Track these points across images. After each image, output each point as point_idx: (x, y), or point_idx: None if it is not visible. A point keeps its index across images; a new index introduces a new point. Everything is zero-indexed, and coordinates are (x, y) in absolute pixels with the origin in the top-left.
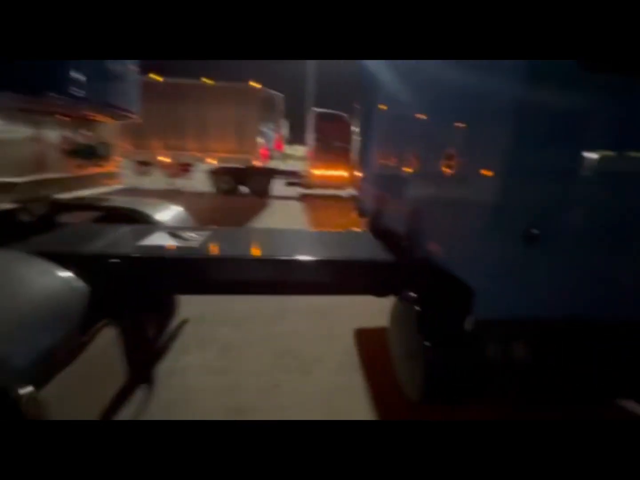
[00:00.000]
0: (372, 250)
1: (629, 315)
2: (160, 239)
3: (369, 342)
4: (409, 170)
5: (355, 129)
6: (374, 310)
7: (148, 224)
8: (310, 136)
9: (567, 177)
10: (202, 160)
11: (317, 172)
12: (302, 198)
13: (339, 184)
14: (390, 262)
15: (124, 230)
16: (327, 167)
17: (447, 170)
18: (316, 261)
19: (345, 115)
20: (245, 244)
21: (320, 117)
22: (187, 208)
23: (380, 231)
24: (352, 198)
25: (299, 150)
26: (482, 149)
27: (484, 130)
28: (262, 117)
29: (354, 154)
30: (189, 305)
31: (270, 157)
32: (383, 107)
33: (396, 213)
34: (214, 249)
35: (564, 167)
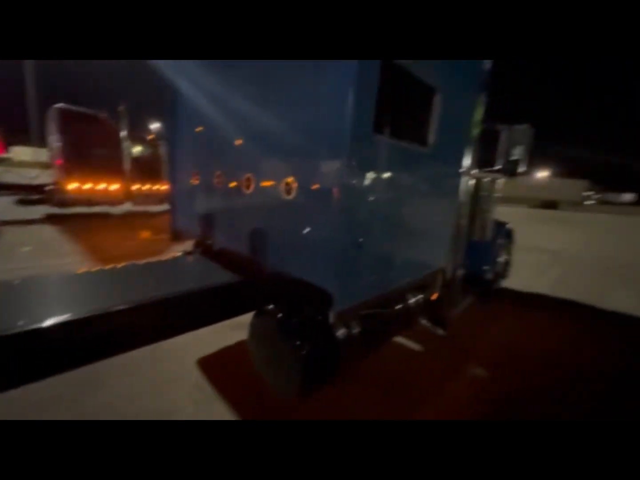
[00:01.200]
0: (217, 273)
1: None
2: None
3: (216, 367)
4: (248, 191)
5: (124, 133)
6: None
7: None
8: (54, 139)
9: (376, 205)
10: None
11: (73, 185)
12: (54, 220)
13: (107, 199)
14: (242, 280)
15: None
16: (88, 180)
17: (289, 195)
18: (161, 300)
19: (105, 115)
20: (39, 301)
21: (69, 116)
22: None
23: (215, 252)
24: (133, 215)
25: (20, 153)
26: (320, 182)
27: (320, 167)
28: None
29: (126, 163)
30: None
31: None
32: (201, 121)
33: (237, 233)
34: None
35: (375, 199)
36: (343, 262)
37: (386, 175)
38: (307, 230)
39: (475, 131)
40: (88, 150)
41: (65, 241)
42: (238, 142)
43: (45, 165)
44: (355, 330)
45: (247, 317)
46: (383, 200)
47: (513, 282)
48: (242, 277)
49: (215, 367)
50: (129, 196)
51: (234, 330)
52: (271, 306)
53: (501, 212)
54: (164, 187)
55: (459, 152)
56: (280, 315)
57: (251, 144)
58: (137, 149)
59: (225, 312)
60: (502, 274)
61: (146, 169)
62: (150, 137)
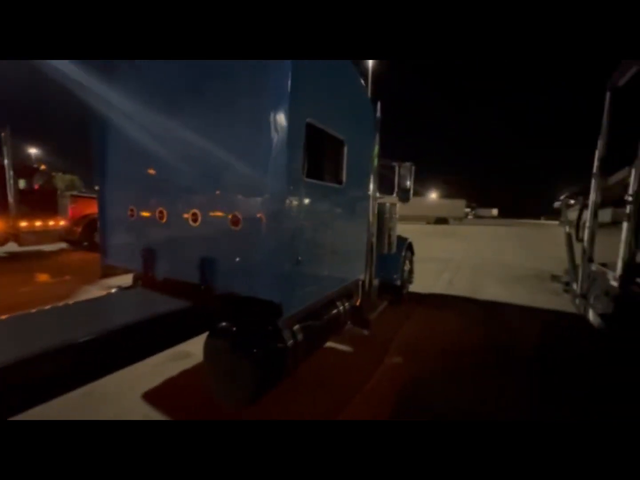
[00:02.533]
0: (163, 302)
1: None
2: None
3: (163, 398)
4: (195, 224)
5: (7, 162)
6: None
7: None
8: None
9: (308, 230)
10: None
11: None
12: None
13: None
14: (191, 305)
15: None
16: None
17: (236, 227)
18: (103, 335)
19: None
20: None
21: None
22: None
23: (159, 283)
24: (19, 257)
25: None
26: (264, 214)
27: (262, 203)
28: None
29: (10, 196)
30: None
31: None
32: (137, 156)
33: (184, 263)
34: None
35: (307, 226)
36: (286, 277)
37: (314, 207)
38: (253, 254)
39: (376, 167)
40: None
41: None
42: (182, 179)
43: None
44: (299, 336)
45: (187, 347)
46: (313, 226)
47: (416, 286)
48: (190, 303)
49: (162, 398)
50: (13, 235)
51: (176, 361)
52: (223, 324)
53: (405, 229)
54: (60, 222)
55: (366, 185)
56: (233, 329)
57: (198, 182)
58: (24, 181)
59: (176, 337)
60: (408, 280)
61: (38, 202)
62: (42, 167)
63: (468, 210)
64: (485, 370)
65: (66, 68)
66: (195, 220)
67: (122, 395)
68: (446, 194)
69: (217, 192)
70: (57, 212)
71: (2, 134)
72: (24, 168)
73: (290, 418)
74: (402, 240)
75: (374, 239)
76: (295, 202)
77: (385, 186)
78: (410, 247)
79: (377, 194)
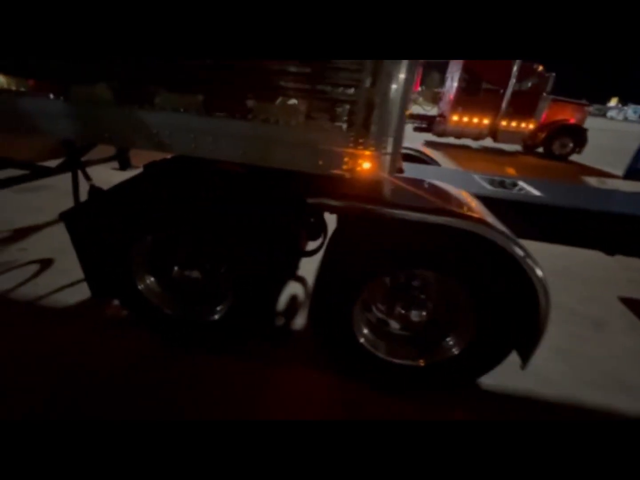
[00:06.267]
0: None
1: None
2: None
3: None
4: None
5: (515, 68)
6: None
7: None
8: (452, 75)
9: None
10: None
11: (456, 117)
12: (436, 146)
13: (476, 133)
14: None
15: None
16: (469, 114)
17: None
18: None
19: None
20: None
21: None
22: None
23: None
24: (489, 151)
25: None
26: None
27: None
28: None
29: (505, 99)
30: None
31: None
32: None
33: None
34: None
35: None
36: None
37: None
38: None
39: None
40: (479, 86)
41: (452, 161)
42: None
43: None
44: None
45: None
46: None
47: None
48: None
49: None
50: (492, 132)
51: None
52: None
53: None
54: (530, 125)
55: None
56: None
57: None
58: (518, 83)
59: None
60: None
61: (520, 104)
62: (539, 68)
63: None
64: None
65: None
66: None
67: None
68: None
69: None
70: (533, 115)
71: None
72: (524, 68)
73: None
74: None
75: None
76: None
77: None
78: None
79: None
